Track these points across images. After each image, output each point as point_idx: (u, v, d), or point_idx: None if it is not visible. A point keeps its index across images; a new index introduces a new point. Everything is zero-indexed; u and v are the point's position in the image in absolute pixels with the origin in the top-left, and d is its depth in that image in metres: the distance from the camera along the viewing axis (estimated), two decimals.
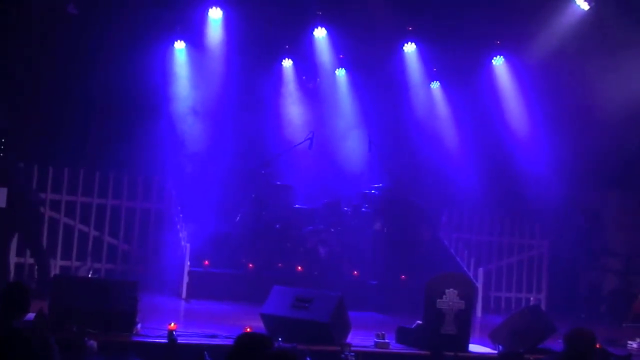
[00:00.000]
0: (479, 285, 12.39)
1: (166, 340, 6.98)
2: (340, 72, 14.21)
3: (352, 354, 7.28)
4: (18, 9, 11.32)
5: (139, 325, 7.49)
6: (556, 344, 8.01)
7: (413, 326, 8.43)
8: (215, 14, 12.75)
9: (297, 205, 12.46)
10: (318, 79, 14.11)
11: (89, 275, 11.11)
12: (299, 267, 11.71)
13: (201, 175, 12.32)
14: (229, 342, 6.54)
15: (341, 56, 13.84)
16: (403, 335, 8.43)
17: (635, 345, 9.26)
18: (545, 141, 13.16)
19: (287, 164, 12.91)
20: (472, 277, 12.22)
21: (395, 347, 8.24)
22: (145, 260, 12.12)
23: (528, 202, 13.35)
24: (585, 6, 11.86)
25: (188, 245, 11.17)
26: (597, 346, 8.00)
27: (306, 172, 13.08)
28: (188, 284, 11.05)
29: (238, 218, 12.43)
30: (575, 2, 11.94)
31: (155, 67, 12.46)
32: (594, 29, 11.68)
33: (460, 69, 13.54)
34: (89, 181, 12.01)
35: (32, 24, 11.47)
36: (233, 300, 10.97)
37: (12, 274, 10.39)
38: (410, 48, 13.63)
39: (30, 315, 6.77)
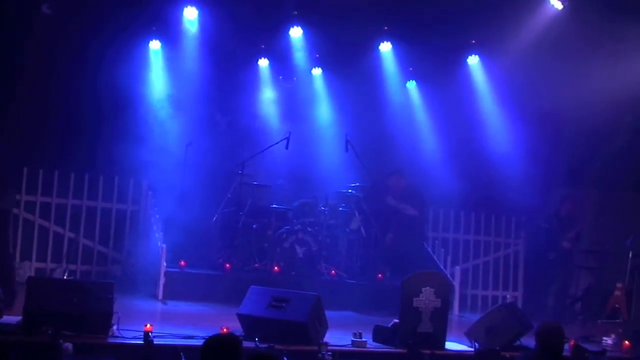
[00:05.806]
0: (456, 284, 12.45)
1: (142, 342, 6.94)
2: (317, 72, 14.22)
3: (330, 353, 7.30)
4: None
5: (114, 327, 7.44)
6: (532, 341, 8.05)
7: (390, 325, 8.46)
8: (190, 14, 12.70)
9: (274, 205, 12.44)
10: (294, 79, 14.10)
11: (65, 277, 11.03)
12: (276, 268, 11.68)
13: (177, 176, 12.25)
14: None
15: (317, 55, 13.85)
16: (380, 334, 8.45)
17: (610, 342, 9.35)
18: (520, 140, 13.23)
19: (264, 164, 12.89)
20: (448, 275, 12.27)
21: (372, 346, 8.25)
22: (121, 261, 12.07)
23: (504, 201, 13.43)
24: (559, 5, 11.96)
25: (164, 246, 11.11)
26: (572, 342, 8.10)
27: (283, 172, 13.07)
28: (164, 285, 10.98)
29: (215, 218, 12.40)
30: (549, 1, 12.03)
31: (130, 66, 12.37)
32: (567, 28, 11.75)
33: (436, 68, 13.57)
34: (63, 182, 11.93)
35: (4, 23, 11.33)
36: (210, 301, 10.91)
37: None
38: (386, 47, 13.68)
39: (10, 319, 6.72)
